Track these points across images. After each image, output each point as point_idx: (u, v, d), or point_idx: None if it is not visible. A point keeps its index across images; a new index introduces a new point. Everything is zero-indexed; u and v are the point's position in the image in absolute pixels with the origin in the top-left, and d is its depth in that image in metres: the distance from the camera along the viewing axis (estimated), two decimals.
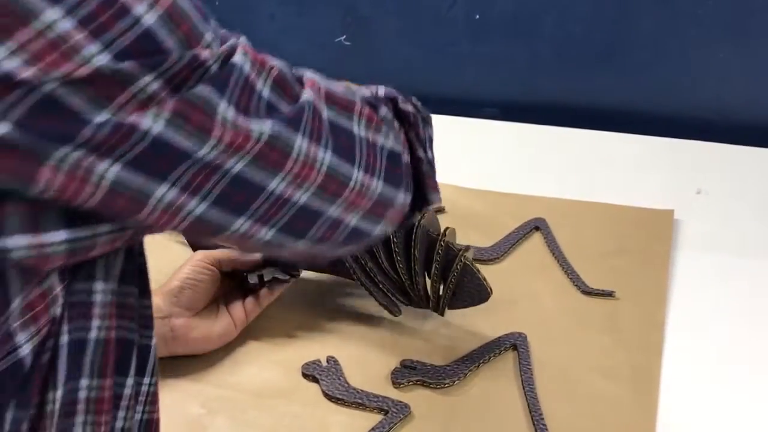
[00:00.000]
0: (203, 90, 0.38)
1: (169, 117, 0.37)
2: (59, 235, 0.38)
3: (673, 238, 0.84)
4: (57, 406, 0.41)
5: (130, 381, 0.44)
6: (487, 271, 0.69)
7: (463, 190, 0.92)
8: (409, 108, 0.58)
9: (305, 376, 0.69)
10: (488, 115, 1.12)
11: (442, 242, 0.68)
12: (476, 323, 0.73)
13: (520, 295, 0.77)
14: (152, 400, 0.47)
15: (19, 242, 0.36)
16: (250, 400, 0.67)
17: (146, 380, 0.46)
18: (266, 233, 0.46)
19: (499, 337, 0.72)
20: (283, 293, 0.76)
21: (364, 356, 0.71)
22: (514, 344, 0.71)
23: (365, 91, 0.56)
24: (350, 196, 0.50)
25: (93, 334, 0.42)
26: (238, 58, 0.40)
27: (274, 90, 0.43)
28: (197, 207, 0.41)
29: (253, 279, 0.73)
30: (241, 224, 0.44)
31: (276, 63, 0.44)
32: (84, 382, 0.42)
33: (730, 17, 1.00)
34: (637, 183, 0.94)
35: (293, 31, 1.17)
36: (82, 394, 0.42)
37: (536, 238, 0.85)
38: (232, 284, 0.74)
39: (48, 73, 0.33)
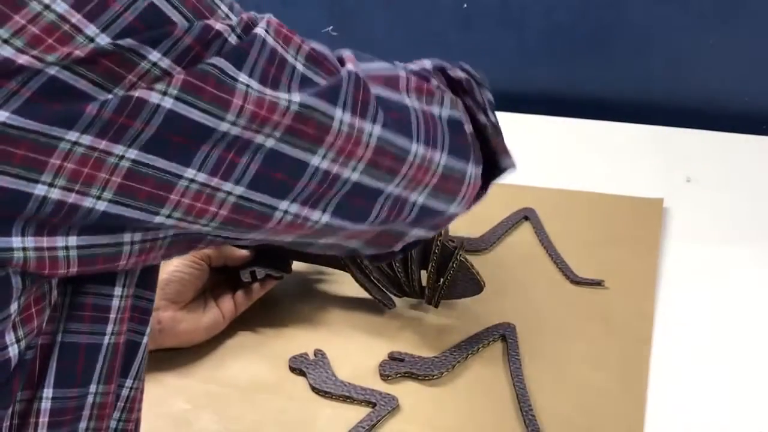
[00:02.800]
0: (218, 61, 0.36)
1: (179, 91, 0.35)
2: (70, 241, 0.36)
3: (662, 227, 0.83)
4: (49, 405, 0.39)
5: (129, 382, 0.43)
6: (476, 261, 0.69)
7: None
8: (460, 74, 0.56)
9: (292, 369, 0.68)
10: None
11: (438, 242, 0.69)
12: (464, 314, 0.73)
13: (509, 285, 0.77)
14: (141, 398, 0.46)
15: (25, 243, 0.35)
16: (237, 394, 0.66)
17: (141, 377, 0.45)
18: (320, 216, 0.44)
19: (488, 328, 0.71)
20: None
21: (351, 349, 0.70)
22: (503, 335, 0.70)
23: (411, 65, 0.54)
24: (410, 172, 0.47)
25: (107, 340, 0.41)
26: (260, 30, 0.38)
27: (309, 64, 0.41)
28: (234, 188, 0.39)
29: (246, 276, 0.72)
30: (287, 206, 0.41)
31: (311, 42, 0.42)
32: (93, 388, 0.41)
33: (719, 4, 0.99)
34: (627, 171, 0.94)
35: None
36: (90, 399, 0.41)
37: (525, 228, 0.85)
38: (221, 277, 0.73)
39: (46, 57, 0.32)
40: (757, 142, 0.98)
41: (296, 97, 0.39)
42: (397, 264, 0.70)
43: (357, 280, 0.73)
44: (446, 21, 1.10)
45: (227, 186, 0.38)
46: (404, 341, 0.71)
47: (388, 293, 0.73)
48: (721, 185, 0.91)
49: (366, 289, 0.73)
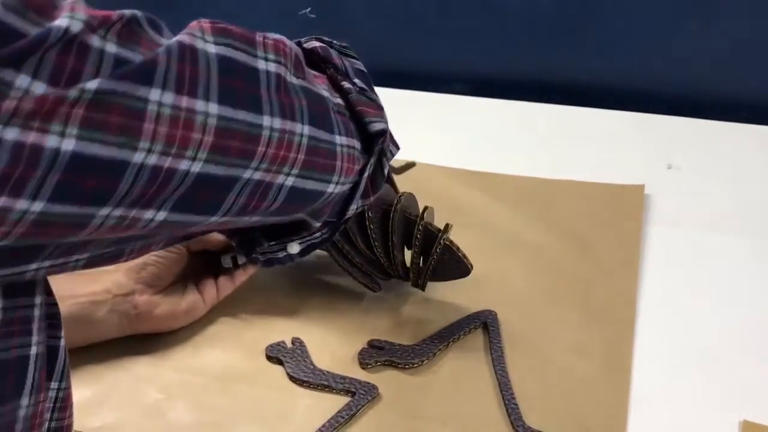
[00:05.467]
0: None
1: None
2: None
3: (644, 214, 0.83)
4: None
5: (24, 401, 0.37)
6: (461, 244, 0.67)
7: (431, 168, 0.90)
8: (314, 43, 0.52)
9: (269, 358, 0.67)
10: (457, 90, 1.10)
11: (420, 226, 0.67)
12: (446, 301, 0.72)
13: (490, 271, 0.75)
14: (62, 406, 0.41)
15: None
16: (212, 384, 0.64)
17: (54, 385, 0.40)
18: (154, 215, 0.37)
19: (469, 315, 0.70)
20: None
21: (330, 337, 0.69)
22: (485, 322, 0.69)
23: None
24: (270, 151, 0.41)
25: None
26: (61, 20, 0.32)
27: (124, 44, 0.34)
28: (31, 205, 0.32)
29: (227, 262, 0.70)
30: (109, 212, 0.35)
31: (133, 13, 0.35)
32: None
33: None
34: (608, 158, 0.93)
35: (257, 3, 1.14)
36: None
37: (507, 217, 0.84)
38: (201, 262, 0.71)
39: None
40: (737, 129, 0.98)
41: (93, 84, 0.33)
42: (378, 248, 0.69)
43: (339, 265, 0.71)
44: (426, 5, 1.09)
45: (21, 204, 0.32)
46: (384, 329, 0.69)
47: (373, 276, 0.72)
48: (702, 172, 0.90)
49: (349, 274, 0.71)
